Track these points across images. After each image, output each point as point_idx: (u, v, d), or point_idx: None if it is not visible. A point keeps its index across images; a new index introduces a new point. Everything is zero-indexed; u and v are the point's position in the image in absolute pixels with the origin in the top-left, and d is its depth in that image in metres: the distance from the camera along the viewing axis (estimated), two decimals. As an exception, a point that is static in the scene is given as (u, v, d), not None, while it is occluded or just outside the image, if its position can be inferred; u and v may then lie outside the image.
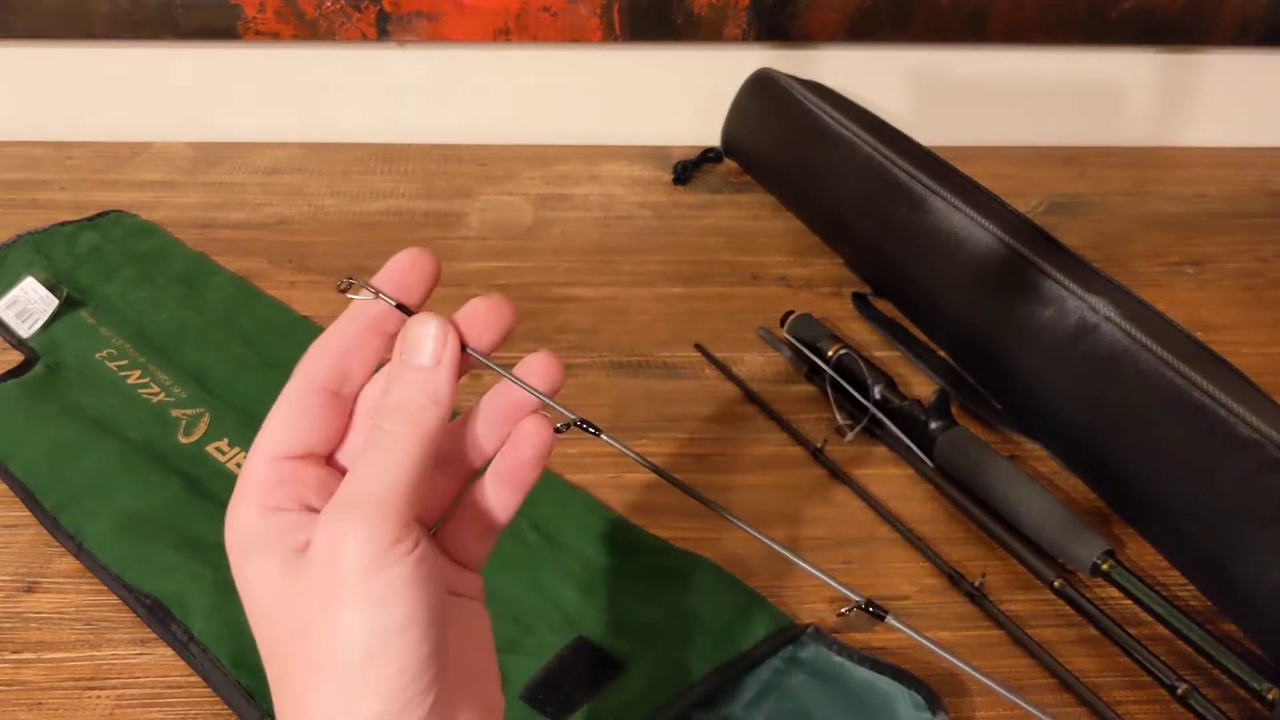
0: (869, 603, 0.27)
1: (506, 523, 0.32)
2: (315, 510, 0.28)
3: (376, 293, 0.29)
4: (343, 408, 0.30)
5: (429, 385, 0.29)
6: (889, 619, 0.27)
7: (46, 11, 0.79)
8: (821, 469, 0.54)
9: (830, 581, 0.27)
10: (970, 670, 0.25)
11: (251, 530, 0.29)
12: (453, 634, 0.30)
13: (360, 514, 0.26)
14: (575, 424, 0.30)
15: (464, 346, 0.30)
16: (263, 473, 0.29)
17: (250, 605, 0.28)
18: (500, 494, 0.32)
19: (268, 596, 0.28)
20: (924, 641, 0.26)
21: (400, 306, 0.30)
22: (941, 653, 0.26)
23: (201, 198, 0.77)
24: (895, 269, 0.65)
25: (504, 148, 0.85)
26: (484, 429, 0.31)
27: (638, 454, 0.30)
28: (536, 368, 0.31)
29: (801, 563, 0.27)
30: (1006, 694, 0.25)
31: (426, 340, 0.29)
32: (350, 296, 0.30)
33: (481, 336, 0.30)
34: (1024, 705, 0.25)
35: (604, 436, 0.30)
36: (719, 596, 0.45)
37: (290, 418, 0.30)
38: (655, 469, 0.30)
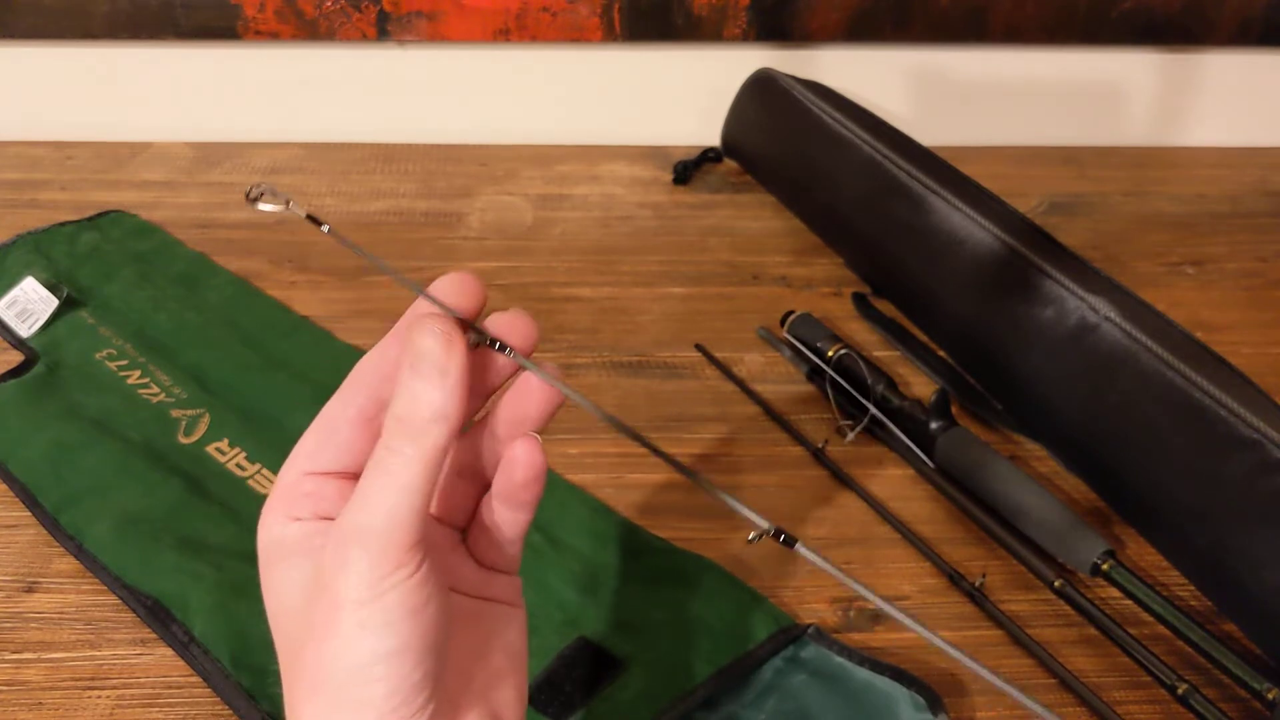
0: (778, 530, 0.27)
1: (519, 536, 0.32)
2: (332, 520, 0.28)
3: (288, 202, 0.28)
4: (378, 431, 0.28)
5: (434, 399, 0.26)
6: (798, 547, 0.26)
7: (46, 11, 0.79)
8: (822, 469, 0.54)
9: (739, 508, 0.27)
10: (948, 643, 0.25)
11: (274, 538, 0.29)
12: (468, 639, 0.30)
13: (360, 545, 0.26)
14: (488, 344, 0.29)
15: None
16: (290, 484, 0.29)
17: (270, 610, 0.29)
18: (504, 512, 0.31)
19: (284, 604, 0.28)
20: (841, 578, 0.26)
21: (323, 224, 0.27)
22: (862, 589, 0.26)
23: (201, 198, 0.77)
24: (895, 269, 0.65)
25: (504, 148, 0.85)
26: (494, 442, 0.30)
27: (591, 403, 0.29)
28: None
29: (727, 498, 0.27)
30: (1000, 679, 0.25)
31: (432, 346, 0.27)
32: (261, 208, 0.28)
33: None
34: (1031, 700, 0.25)
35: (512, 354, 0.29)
36: (720, 597, 0.45)
37: (318, 440, 0.29)
38: (612, 421, 0.30)
